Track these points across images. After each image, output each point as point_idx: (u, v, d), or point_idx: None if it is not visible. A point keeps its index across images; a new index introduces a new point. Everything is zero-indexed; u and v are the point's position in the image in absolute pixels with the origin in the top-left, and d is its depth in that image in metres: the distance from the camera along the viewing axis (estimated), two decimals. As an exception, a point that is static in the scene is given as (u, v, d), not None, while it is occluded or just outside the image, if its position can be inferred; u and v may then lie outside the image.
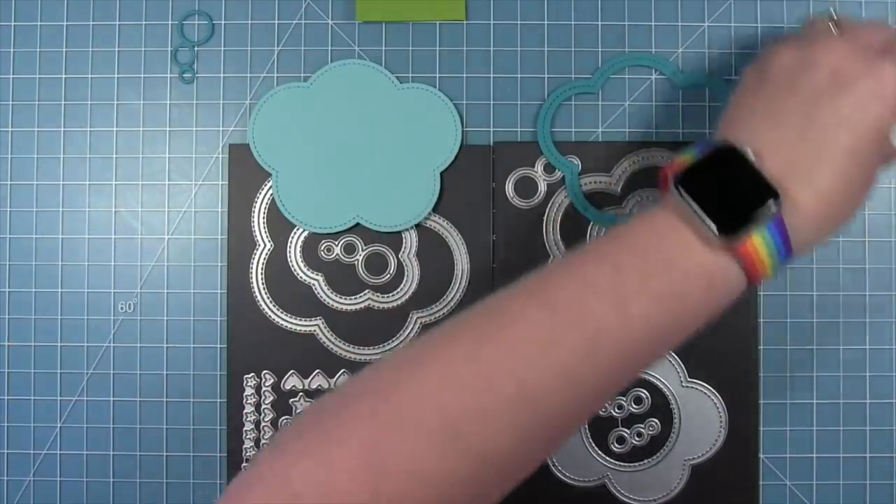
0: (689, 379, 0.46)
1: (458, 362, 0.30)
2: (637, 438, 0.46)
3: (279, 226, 0.46)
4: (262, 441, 0.46)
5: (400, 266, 0.47)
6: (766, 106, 0.35)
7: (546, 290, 0.32)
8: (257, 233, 0.47)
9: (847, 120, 0.33)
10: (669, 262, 0.32)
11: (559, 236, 0.46)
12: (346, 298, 0.47)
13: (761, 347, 0.46)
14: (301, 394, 0.46)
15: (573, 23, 0.47)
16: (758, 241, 0.31)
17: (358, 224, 0.46)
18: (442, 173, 0.46)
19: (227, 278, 0.46)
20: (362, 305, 0.47)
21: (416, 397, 0.29)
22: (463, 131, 0.47)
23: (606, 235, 0.33)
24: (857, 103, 0.33)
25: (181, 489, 0.46)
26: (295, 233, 0.47)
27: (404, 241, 0.47)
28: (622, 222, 0.34)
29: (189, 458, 0.46)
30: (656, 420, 0.46)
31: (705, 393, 0.46)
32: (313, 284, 0.47)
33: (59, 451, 0.47)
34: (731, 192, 0.32)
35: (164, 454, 0.46)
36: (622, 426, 0.46)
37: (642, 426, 0.46)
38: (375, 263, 0.47)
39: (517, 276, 0.46)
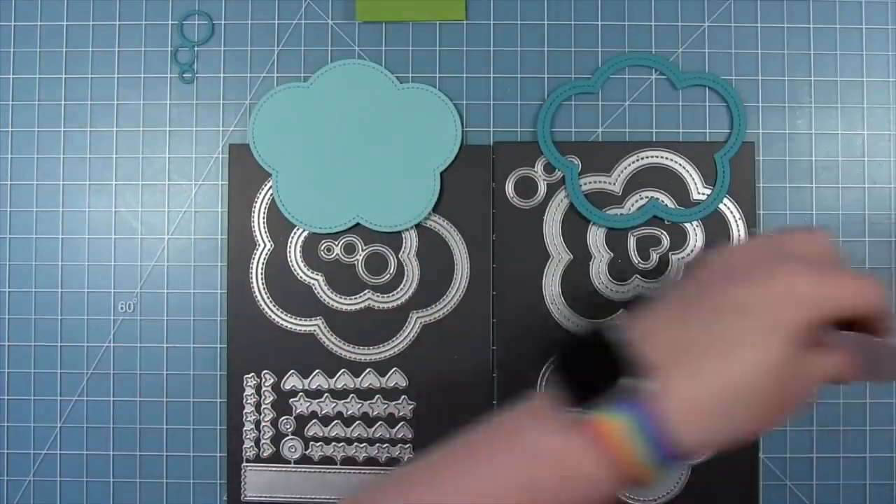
0: (689, 379, 0.46)
1: None
2: (637, 438, 0.46)
3: (279, 226, 0.46)
4: (262, 441, 0.46)
5: (400, 266, 0.47)
6: (676, 296, 0.32)
7: (413, 487, 0.31)
8: (257, 233, 0.47)
9: (749, 316, 0.30)
10: (526, 447, 0.30)
11: (559, 236, 0.46)
12: (346, 298, 0.47)
13: (761, 347, 0.46)
14: (301, 394, 0.46)
15: (573, 23, 0.47)
16: (616, 426, 0.29)
17: (358, 224, 0.46)
18: (442, 173, 0.46)
19: (227, 278, 0.46)
20: (362, 305, 0.47)
21: None
22: (463, 131, 0.47)
23: (487, 421, 0.32)
24: (762, 301, 0.30)
25: (181, 489, 0.46)
26: (295, 233, 0.47)
27: (404, 241, 0.47)
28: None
29: (189, 458, 0.46)
30: (656, 420, 0.46)
31: (705, 393, 0.46)
32: (313, 284, 0.47)
33: (59, 451, 0.47)
34: (594, 370, 0.30)
35: (164, 454, 0.46)
36: (622, 426, 0.46)
37: (642, 426, 0.46)
38: (375, 263, 0.47)
39: (517, 275, 0.46)
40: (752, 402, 0.30)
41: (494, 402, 0.46)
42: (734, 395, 0.29)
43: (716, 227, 0.46)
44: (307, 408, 0.46)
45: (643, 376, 0.29)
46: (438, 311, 0.46)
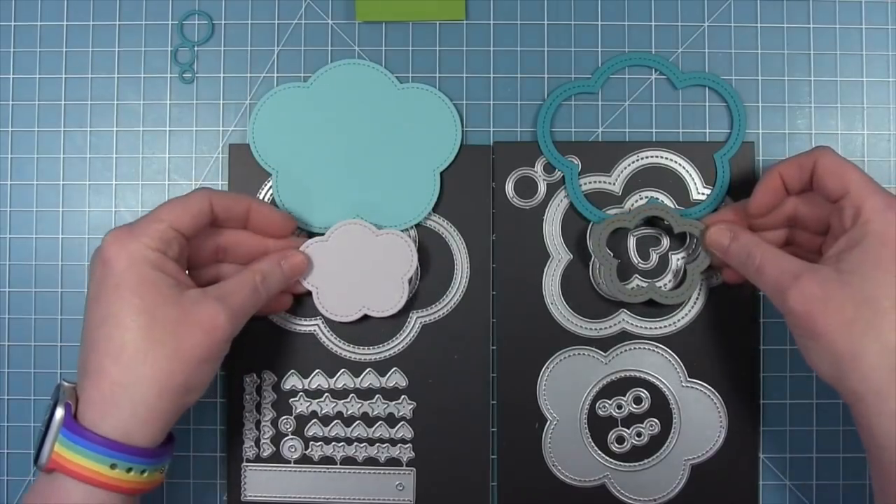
0: (689, 379, 0.46)
1: None
2: (637, 438, 0.46)
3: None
4: (262, 441, 0.46)
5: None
6: None
7: None
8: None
9: None
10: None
11: (559, 236, 0.46)
12: (346, 298, 0.47)
13: (761, 347, 0.46)
14: (301, 394, 0.46)
15: (573, 23, 0.47)
16: (63, 451, 0.35)
17: (358, 224, 0.46)
18: (442, 173, 0.46)
19: (227, 278, 0.46)
20: (362, 305, 0.47)
21: None
22: (463, 131, 0.47)
23: None
24: None
25: (181, 489, 0.46)
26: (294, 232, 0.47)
27: (404, 241, 0.47)
28: None
29: (189, 458, 0.46)
30: (656, 420, 0.46)
31: (705, 393, 0.46)
32: (313, 284, 0.47)
33: (59, 451, 0.47)
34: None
35: (164, 454, 0.46)
36: (622, 426, 0.46)
37: (642, 426, 0.46)
38: (375, 263, 0.47)
39: (517, 275, 0.46)
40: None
41: (494, 401, 0.46)
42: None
43: (716, 227, 0.46)
44: (307, 408, 0.46)
45: (60, 405, 0.36)
46: (438, 311, 0.46)
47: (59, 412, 0.36)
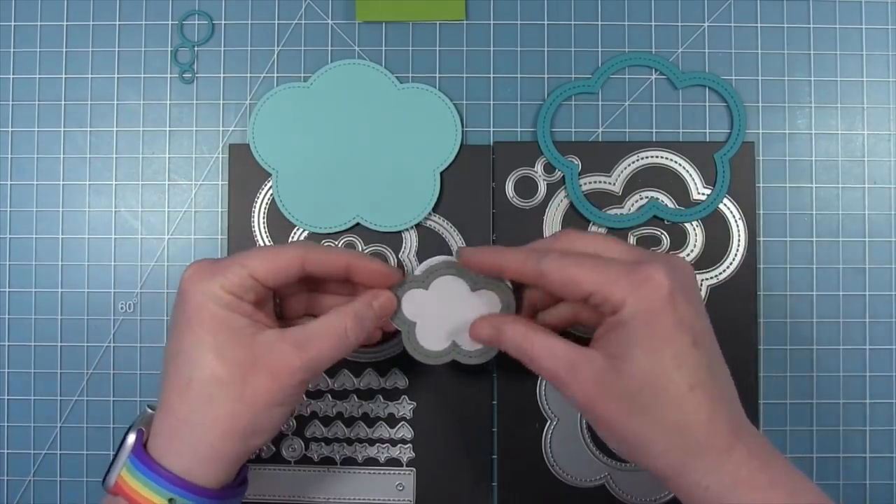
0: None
1: None
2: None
3: (279, 226, 0.46)
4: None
5: (400, 266, 0.47)
6: None
7: None
8: (257, 233, 0.47)
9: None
10: None
11: (559, 236, 0.46)
12: (346, 298, 0.47)
13: (761, 347, 0.46)
14: (301, 394, 0.46)
15: (573, 23, 0.47)
16: (124, 474, 0.35)
17: (358, 224, 0.46)
18: (442, 173, 0.46)
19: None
20: (362, 305, 0.47)
21: None
22: (463, 131, 0.47)
23: None
24: None
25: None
26: (295, 233, 0.47)
27: (404, 241, 0.47)
28: None
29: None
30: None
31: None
32: (313, 284, 0.47)
33: (59, 451, 0.47)
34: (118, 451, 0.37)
35: (164, 454, 0.46)
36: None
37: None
38: (375, 263, 0.46)
39: (517, 276, 0.46)
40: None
41: (494, 402, 0.46)
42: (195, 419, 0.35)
43: (716, 227, 0.46)
44: (307, 408, 0.46)
45: (133, 431, 0.36)
46: (438, 311, 0.46)
47: (131, 438, 0.36)
